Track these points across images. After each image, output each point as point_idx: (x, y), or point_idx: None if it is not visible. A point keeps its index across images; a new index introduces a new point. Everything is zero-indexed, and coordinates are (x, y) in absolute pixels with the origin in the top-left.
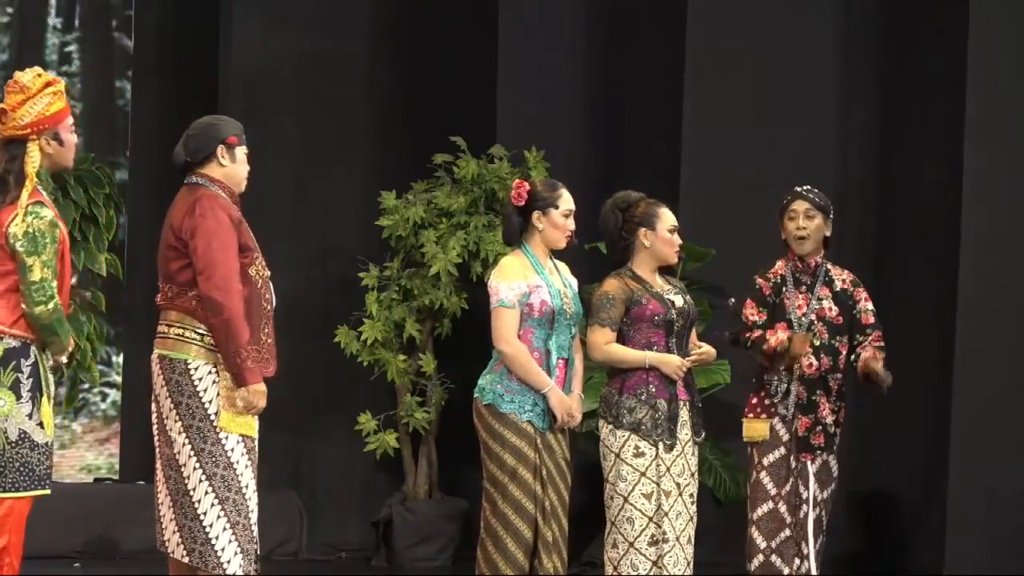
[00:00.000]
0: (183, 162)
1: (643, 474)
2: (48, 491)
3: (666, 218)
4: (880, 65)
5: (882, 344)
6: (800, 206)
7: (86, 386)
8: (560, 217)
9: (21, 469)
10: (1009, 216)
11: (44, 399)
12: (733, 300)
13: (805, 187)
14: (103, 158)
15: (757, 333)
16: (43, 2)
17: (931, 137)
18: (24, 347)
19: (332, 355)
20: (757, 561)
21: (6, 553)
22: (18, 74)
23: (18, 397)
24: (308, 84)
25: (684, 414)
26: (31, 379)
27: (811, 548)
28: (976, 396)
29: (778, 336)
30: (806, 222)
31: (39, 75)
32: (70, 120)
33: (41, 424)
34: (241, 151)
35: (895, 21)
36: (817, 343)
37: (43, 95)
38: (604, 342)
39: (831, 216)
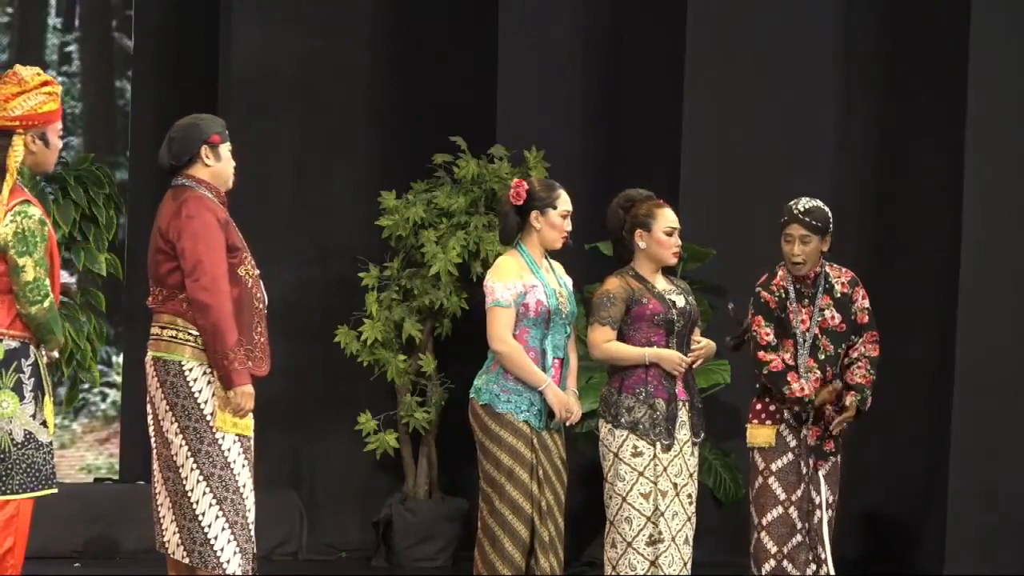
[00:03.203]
0: (168, 165)
1: (641, 474)
2: (55, 490)
3: (663, 219)
4: (880, 65)
5: (875, 350)
6: (796, 231)
7: (86, 386)
8: (557, 218)
9: (28, 470)
10: (1009, 216)
11: (47, 398)
12: (732, 305)
13: (803, 207)
14: (103, 158)
15: (774, 362)
16: (43, 2)
17: (931, 137)
18: (24, 347)
19: (332, 355)
20: (768, 566)
21: (11, 554)
22: (19, 67)
23: (21, 398)
24: (308, 84)
25: (683, 414)
26: (33, 379)
27: (828, 552)
28: (976, 396)
29: (803, 388)
30: (801, 248)
31: (38, 74)
32: (59, 124)
33: (44, 423)
34: (225, 148)
35: (895, 21)
36: (823, 357)
37: (39, 92)
38: (604, 340)
39: (831, 230)
